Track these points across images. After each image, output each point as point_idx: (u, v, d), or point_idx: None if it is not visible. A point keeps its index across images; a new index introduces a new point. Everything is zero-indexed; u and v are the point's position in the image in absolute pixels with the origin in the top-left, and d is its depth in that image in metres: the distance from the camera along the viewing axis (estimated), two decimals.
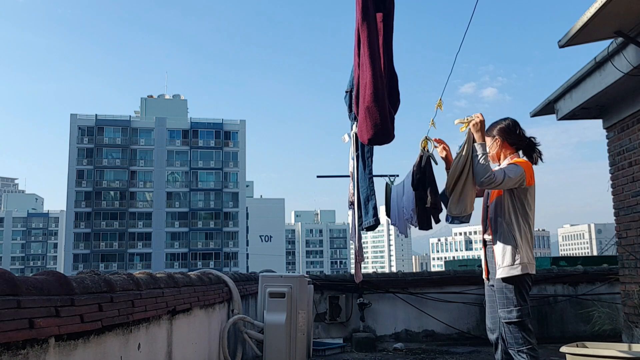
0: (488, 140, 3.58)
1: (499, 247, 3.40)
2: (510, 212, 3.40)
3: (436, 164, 4.27)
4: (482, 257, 3.63)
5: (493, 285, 3.48)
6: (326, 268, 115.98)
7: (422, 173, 4.07)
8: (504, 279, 3.34)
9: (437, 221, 4.02)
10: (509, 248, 3.35)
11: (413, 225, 4.42)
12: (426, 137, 4.17)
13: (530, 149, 3.58)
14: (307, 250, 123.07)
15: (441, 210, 4.03)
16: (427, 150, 4.15)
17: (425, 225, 4.23)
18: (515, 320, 3.30)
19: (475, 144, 3.36)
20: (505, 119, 3.60)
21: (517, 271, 3.31)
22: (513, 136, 3.54)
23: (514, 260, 3.33)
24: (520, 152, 3.60)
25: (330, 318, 7.19)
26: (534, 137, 3.60)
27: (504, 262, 3.36)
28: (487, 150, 3.44)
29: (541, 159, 3.59)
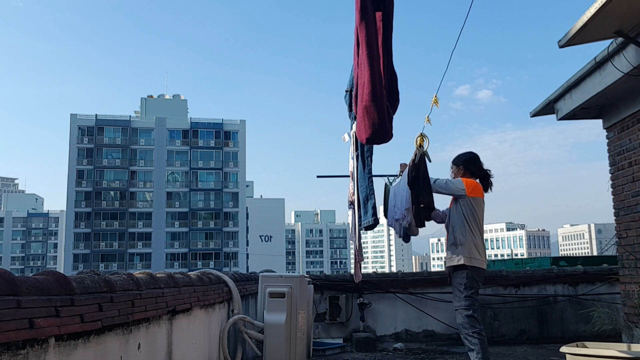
0: (454, 167, 4.47)
1: (447, 246, 4.32)
2: (454, 218, 4.26)
3: (430, 161, 4.27)
4: None
5: None
6: (326, 268, 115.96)
7: (417, 171, 4.08)
8: (456, 271, 4.16)
9: (428, 219, 4.33)
10: (451, 245, 4.26)
11: (404, 225, 4.46)
12: (421, 133, 4.16)
13: (485, 179, 4.44)
14: (307, 250, 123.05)
15: (433, 209, 4.23)
16: (422, 147, 4.15)
17: (420, 223, 4.31)
18: (463, 308, 4.05)
19: None
20: (469, 153, 4.50)
21: (454, 262, 4.15)
22: (473, 167, 4.41)
23: (452, 254, 4.20)
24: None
25: (330, 318, 7.19)
26: (489, 170, 4.47)
27: (448, 255, 4.26)
28: (452, 175, 4.43)
29: (491, 189, 4.46)
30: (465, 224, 4.21)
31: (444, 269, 4.46)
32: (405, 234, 4.72)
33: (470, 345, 4.03)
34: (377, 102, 2.93)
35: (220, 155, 70.81)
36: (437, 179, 4.24)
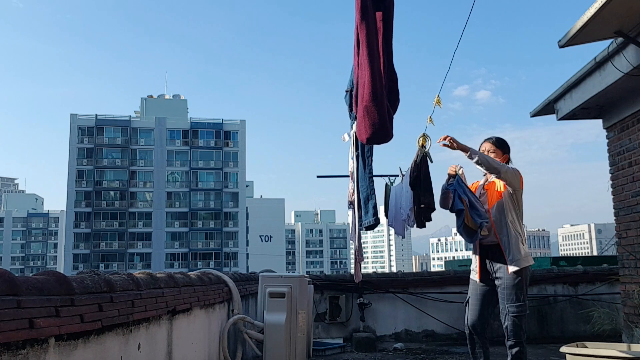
0: (498, 152, 3.96)
1: (507, 244, 3.73)
2: (511, 212, 3.78)
3: (431, 162, 4.26)
4: (477, 259, 3.92)
5: (496, 284, 3.84)
6: (326, 268, 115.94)
7: (419, 171, 4.08)
8: (517, 272, 3.68)
9: (429, 220, 4.18)
10: (516, 243, 3.72)
11: (409, 225, 4.44)
12: (424, 134, 4.16)
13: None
14: (307, 250, 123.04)
15: (434, 209, 4.15)
16: (424, 148, 4.15)
17: (420, 224, 4.27)
18: (520, 314, 3.72)
19: (472, 157, 3.68)
20: (498, 136, 4.11)
21: (526, 262, 3.70)
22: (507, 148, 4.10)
23: (523, 252, 3.71)
24: None
25: (330, 318, 7.19)
26: None
27: (516, 255, 3.70)
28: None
29: None
30: (519, 218, 3.84)
31: (509, 271, 3.73)
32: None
33: (519, 355, 3.81)
34: (377, 102, 2.93)
35: (220, 155, 70.81)
36: (500, 164, 3.78)
